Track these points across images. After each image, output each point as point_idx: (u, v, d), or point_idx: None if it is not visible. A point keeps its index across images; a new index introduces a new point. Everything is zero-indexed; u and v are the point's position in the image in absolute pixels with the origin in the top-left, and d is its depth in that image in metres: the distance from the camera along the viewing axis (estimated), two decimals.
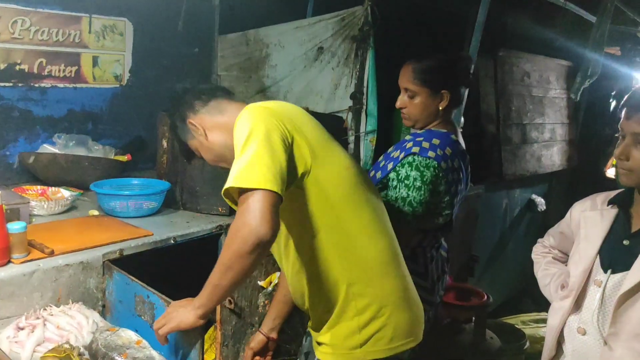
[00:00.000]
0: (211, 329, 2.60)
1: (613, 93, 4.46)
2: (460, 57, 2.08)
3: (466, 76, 2.06)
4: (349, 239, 1.48)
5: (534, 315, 3.82)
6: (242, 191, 1.28)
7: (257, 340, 1.96)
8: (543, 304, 4.04)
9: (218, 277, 1.38)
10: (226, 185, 1.30)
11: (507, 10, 3.85)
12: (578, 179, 4.75)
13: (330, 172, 1.45)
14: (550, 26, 3.99)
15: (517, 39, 4.17)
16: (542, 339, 3.56)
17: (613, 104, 4.48)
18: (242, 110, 1.43)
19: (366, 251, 1.50)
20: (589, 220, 1.67)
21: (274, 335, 1.94)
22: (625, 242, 1.56)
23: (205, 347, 2.56)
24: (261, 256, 1.32)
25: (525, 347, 3.29)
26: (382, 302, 1.51)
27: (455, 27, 3.79)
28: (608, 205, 1.64)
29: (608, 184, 4.11)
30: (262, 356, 1.96)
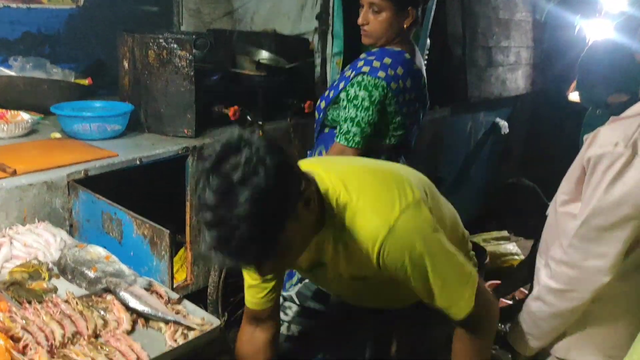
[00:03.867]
0: (181, 250, 2.65)
1: (577, 16, 4.47)
2: None
3: None
4: None
5: (495, 234, 3.97)
6: None
7: None
8: (507, 225, 4.18)
9: None
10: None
11: None
12: (541, 103, 4.82)
13: None
14: None
15: None
16: (503, 255, 3.74)
17: (577, 27, 4.51)
18: None
19: None
20: None
21: None
22: None
23: (176, 268, 2.61)
24: None
25: (486, 261, 3.43)
26: None
27: None
28: None
29: (571, 107, 4.19)
30: None
